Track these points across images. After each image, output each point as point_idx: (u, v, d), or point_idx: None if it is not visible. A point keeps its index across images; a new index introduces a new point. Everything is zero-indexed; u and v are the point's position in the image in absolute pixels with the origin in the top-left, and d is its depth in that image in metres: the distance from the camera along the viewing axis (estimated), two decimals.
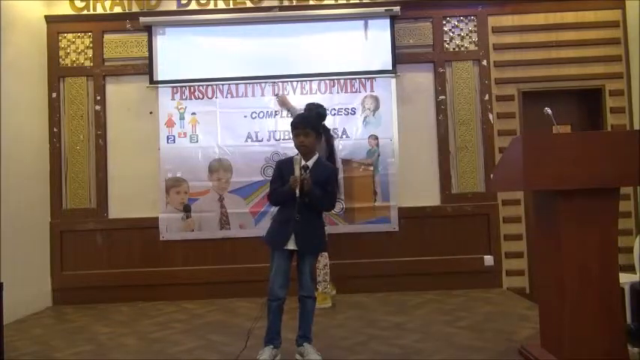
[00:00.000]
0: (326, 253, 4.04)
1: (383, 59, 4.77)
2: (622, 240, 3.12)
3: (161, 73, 4.83)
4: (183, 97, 4.81)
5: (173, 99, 4.82)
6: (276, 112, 4.73)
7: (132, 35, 4.89)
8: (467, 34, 4.88)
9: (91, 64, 4.88)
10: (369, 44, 4.83)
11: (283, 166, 2.92)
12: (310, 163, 2.88)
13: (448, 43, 4.88)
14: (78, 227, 4.76)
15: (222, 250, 4.69)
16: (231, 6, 4.88)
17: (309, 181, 2.75)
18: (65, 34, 4.89)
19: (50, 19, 4.85)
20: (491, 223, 4.73)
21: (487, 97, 4.81)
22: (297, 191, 2.73)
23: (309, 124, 2.92)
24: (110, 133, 4.86)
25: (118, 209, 4.81)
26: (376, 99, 4.79)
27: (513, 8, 4.84)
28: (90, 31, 4.89)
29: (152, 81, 4.82)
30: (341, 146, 4.70)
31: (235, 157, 4.77)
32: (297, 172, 2.77)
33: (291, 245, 2.80)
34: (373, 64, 4.79)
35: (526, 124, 4.79)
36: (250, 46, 4.85)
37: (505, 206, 4.76)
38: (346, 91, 4.80)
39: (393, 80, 4.77)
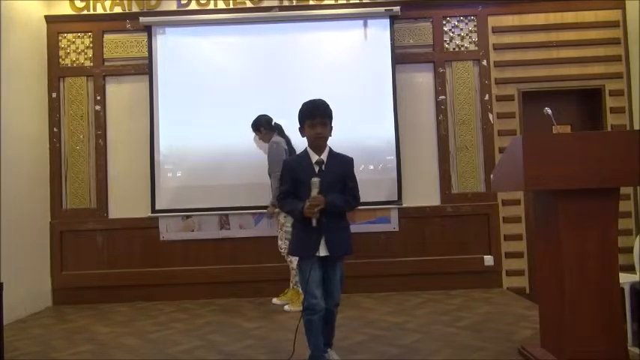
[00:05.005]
0: None
1: (383, 59, 4.77)
2: (622, 240, 3.13)
3: (161, 74, 4.81)
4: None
5: None
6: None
7: (132, 35, 4.89)
8: (467, 34, 4.88)
9: (91, 64, 4.88)
10: (368, 44, 4.84)
11: (295, 165, 2.58)
12: (324, 156, 2.53)
13: (448, 43, 4.88)
14: (78, 227, 4.76)
15: (222, 250, 4.70)
16: (231, 6, 4.88)
17: (324, 200, 2.43)
18: (65, 34, 4.89)
19: (50, 19, 4.86)
20: (491, 223, 4.73)
21: (487, 97, 4.81)
22: (314, 220, 2.42)
23: (328, 113, 2.53)
24: (110, 133, 4.86)
25: (118, 209, 4.81)
26: None
27: (513, 8, 4.84)
28: (90, 31, 4.89)
29: (153, 210, 4.73)
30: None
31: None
32: (314, 193, 2.42)
33: (323, 251, 2.52)
34: (373, 64, 4.78)
35: (526, 124, 4.79)
36: (250, 46, 4.84)
37: (505, 206, 4.76)
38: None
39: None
